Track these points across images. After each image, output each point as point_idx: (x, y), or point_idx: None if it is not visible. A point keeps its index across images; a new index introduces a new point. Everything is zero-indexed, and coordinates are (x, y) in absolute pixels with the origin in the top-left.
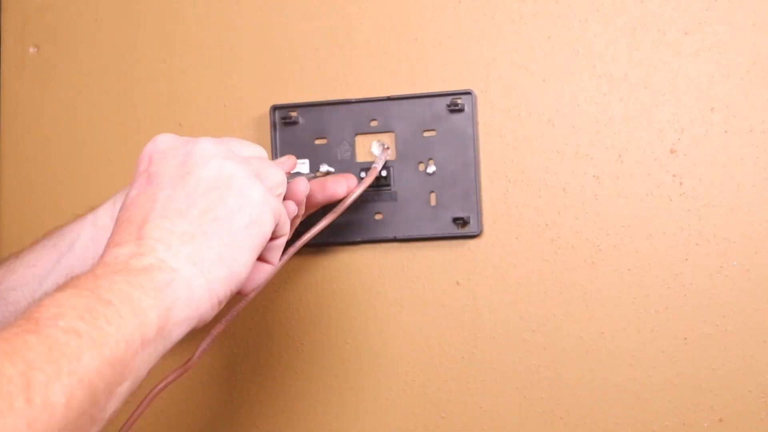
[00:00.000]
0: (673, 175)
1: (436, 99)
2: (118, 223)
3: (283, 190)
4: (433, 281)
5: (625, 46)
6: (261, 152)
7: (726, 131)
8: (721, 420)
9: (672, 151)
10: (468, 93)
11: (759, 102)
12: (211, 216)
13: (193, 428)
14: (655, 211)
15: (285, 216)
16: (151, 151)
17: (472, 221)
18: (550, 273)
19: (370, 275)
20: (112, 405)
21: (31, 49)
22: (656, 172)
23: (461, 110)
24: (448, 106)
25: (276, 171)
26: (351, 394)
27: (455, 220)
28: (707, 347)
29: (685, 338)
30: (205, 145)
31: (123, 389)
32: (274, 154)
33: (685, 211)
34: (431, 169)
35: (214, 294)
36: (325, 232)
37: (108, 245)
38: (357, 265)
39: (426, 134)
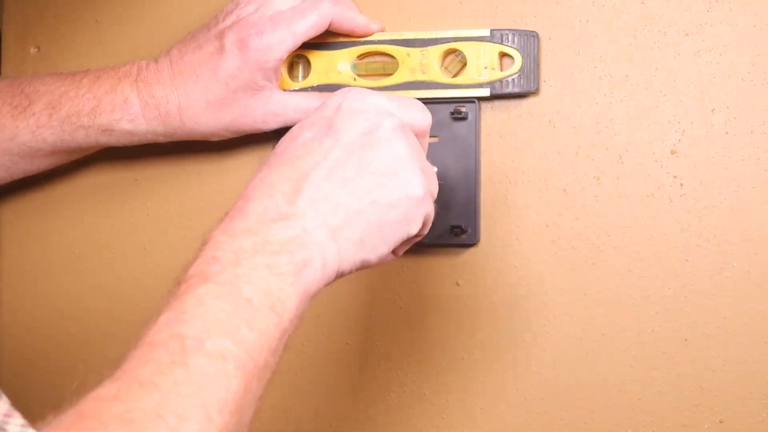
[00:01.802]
0: (674, 176)
1: (439, 106)
2: (279, 157)
3: (435, 190)
4: (432, 281)
5: (625, 47)
6: (428, 120)
7: (727, 132)
8: (721, 421)
9: (673, 152)
10: (472, 101)
11: (760, 103)
12: (371, 197)
13: None
14: (655, 212)
15: (431, 219)
16: (341, 103)
17: (470, 230)
18: (551, 274)
19: (369, 276)
20: (253, 408)
21: (32, 50)
22: (657, 173)
23: (464, 118)
24: (452, 113)
25: (435, 177)
26: (351, 395)
27: (453, 228)
28: (708, 348)
29: (686, 339)
30: (394, 124)
31: (261, 388)
32: None
33: (685, 212)
34: None
35: (340, 274)
36: None
37: (263, 179)
38: None
39: (428, 140)
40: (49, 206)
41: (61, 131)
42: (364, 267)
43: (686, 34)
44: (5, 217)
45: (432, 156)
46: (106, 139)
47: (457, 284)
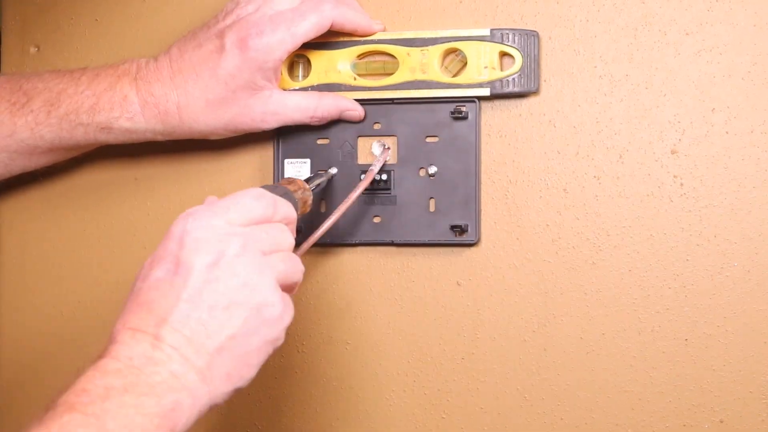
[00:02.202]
0: (674, 176)
1: (439, 105)
2: (136, 300)
3: (296, 277)
4: (433, 282)
5: (625, 46)
6: (290, 213)
7: (727, 132)
8: (721, 421)
9: (673, 152)
10: (472, 101)
11: (760, 102)
12: (229, 333)
13: (192, 429)
14: (655, 212)
15: (291, 314)
16: (183, 233)
17: (470, 229)
18: (551, 273)
19: (370, 276)
20: None
21: (32, 49)
22: (657, 173)
23: (465, 118)
24: (452, 113)
25: (295, 265)
26: (351, 395)
27: (453, 227)
28: (708, 348)
29: (686, 339)
30: (237, 249)
31: None
32: (276, 154)
33: (685, 211)
34: (432, 174)
35: (213, 405)
36: (324, 233)
37: (124, 324)
38: (357, 266)
39: (428, 140)
40: (48, 206)
41: (60, 128)
42: (237, 392)
43: (686, 34)
44: (5, 216)
45: (432, 156)
46: (104, 137)
47: (458, 284)
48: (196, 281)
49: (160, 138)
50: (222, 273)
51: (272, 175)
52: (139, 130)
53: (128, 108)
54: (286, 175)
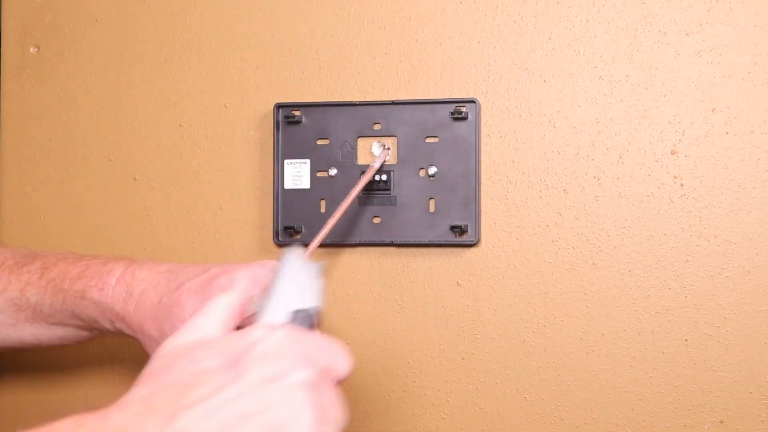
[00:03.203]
0: (674, 177)
1: (439, 106)
2: (174, 379)
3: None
4: (433, 282)
5: (626, 46)
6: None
7: (727, 132)
8: (721, 422)
9: (673, 152)
10: (472, 102)
11: (760, 103)
12: None
13: None
14: (655, 212)
15: None
16: (258, 341)
17: (470, 230)
18: (551, 274)
19: (370, 276)
20: None
21: (32, 49)
22: (657, 173)
23: (465, 118)
24: (452, 113)
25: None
26: (351, 395)
27: (453, 228)
28: (708, 348)
29: (686, 339)
30: (304, 380)
31: None
32: (276, 153)
33: (685, 212)
34: (432, 175)
35: None
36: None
37: (151, 398)
38: (357, 266)
39: (428, 140)
40: (48, 205)
41: (45, 291)
42: None
43: (686, 34)
44: (5, 216)
45: (432, 156)
46: (77, 309)
47: (458, 284)
48: (247, 387)
49: (108, 327)
50: (275, 392)
51: (272, 175)
52: (105, 305)
53: (106, 279)
54: (286, 174)
